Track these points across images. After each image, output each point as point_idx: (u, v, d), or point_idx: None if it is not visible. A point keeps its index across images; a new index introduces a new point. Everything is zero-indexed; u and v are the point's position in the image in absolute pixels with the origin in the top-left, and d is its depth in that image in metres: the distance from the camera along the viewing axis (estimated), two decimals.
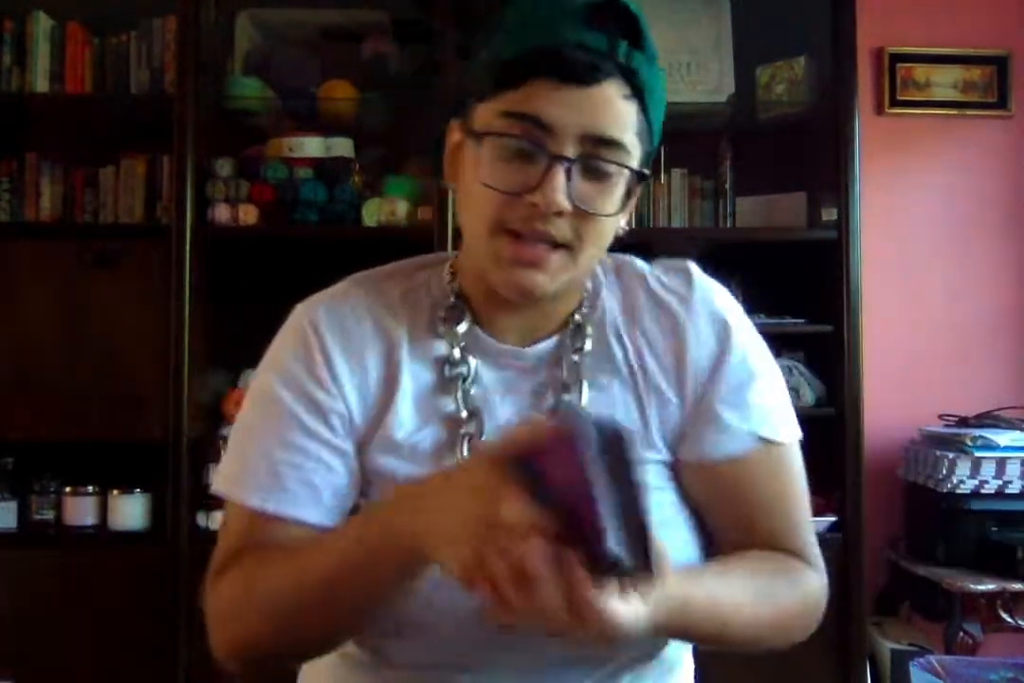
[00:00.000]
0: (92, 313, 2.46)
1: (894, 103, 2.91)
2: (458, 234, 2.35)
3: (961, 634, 2.47)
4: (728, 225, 2.67)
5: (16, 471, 2.51)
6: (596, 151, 0.85)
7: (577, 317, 0.96)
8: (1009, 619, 2.44)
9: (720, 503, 0.95)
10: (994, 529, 2.50)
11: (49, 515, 2.47)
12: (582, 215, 0.86)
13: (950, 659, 2.32)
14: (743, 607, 0.88)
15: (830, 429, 2.46)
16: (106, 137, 2.67)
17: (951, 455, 2.49)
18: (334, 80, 2.62)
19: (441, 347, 0.95)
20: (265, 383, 0.94)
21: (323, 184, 2.51)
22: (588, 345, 0.95)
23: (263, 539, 0.90)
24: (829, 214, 2.54)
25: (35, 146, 2.64)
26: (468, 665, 0.91)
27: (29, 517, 2.47)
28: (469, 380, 0.94)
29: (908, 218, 2.92)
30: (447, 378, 0.94)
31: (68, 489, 2.47)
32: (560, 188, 0.83)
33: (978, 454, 2.48)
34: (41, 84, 2.54)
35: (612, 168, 0.86)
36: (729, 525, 0.96)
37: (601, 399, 0.94)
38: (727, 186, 2.66)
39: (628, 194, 0.90)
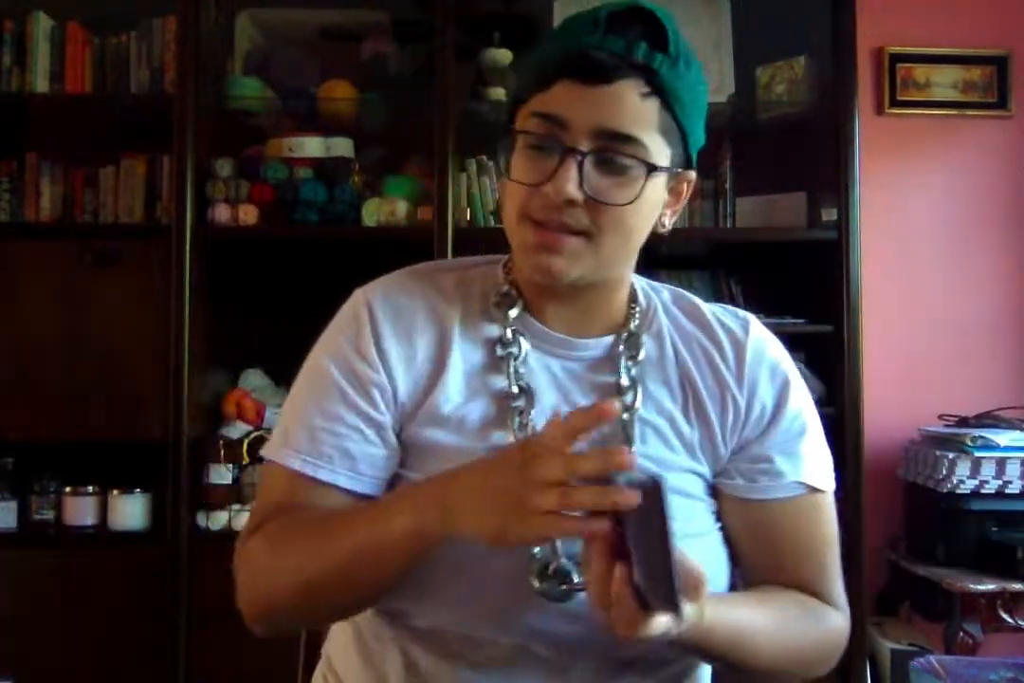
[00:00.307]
0: (92, 313, 2.46)
1: (894, 103, 2.91)
2: (459, 233, 2.35)
3: (961, 634, 2.47)
4: (728, 225, 2.67)
5: (16, 471, 2.51)
6: (610, 145, 0.90)
7: (631, 327, 1.01)
8: (1009, 619, 2.44)
9: (756, 540, 1.00)
10: (994, 529, 2.50)
11: (49, 515, 2.47)
12: (596, 205, 0.90)
13: (950, 659, 2.32)
14: (765, 637, 0.92)
15: (830, 429, 2.45)
16: (106, 137, 2.67)
17: (951, 455, 2.49)
18: (334, 80, 2.62)
19: (493, 329, 1.00)
20: (316, 358, 1.00)
21: (323, 184, 2.51)
22: (642, 354, 1.00)
23: (298, 501, 0.95)
24: (829, 214, 2.54)
25: (35, 146, 2.64)
26: (487, 636, 0.93)
27: (29, 517, 2.47)
28: (520, 359, 0.98)
29: (908, 218, 2.92)
30: (498, 357, 0.98)
31: (68, 489, 2.47)
32: (570, 179, 0.89)
33: (978, 454, 2.48)
34: (41, 84, 2.55)
35: (628, 161, 0.90)
36: (760, 559, 1.00)
37: (651, 406, 0.99)
38: (727, 186, 2.66)
39: (644, 188, 0.92)
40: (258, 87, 2.61)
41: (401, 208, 2.51)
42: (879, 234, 2.79)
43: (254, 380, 2.63)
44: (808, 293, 2.64)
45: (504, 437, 0.96)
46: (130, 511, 2.46)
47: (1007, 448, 2.49)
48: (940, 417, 2.72)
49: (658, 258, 2.75)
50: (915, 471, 2.65)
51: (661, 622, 0.75)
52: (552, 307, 1.00)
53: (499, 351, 0.98)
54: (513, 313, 1.00)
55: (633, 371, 0.99)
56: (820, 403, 2.48)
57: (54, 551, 2.44)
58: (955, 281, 2.92)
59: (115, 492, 2.46)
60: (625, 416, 0.97)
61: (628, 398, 0.98)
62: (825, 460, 1.03)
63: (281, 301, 2.66)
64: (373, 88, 2.64)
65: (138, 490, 2.47)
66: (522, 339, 0.99)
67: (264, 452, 0.99)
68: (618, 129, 0.89)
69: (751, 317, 1.05)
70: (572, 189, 0.88)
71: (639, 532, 0.74)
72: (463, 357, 0.98)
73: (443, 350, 0.98)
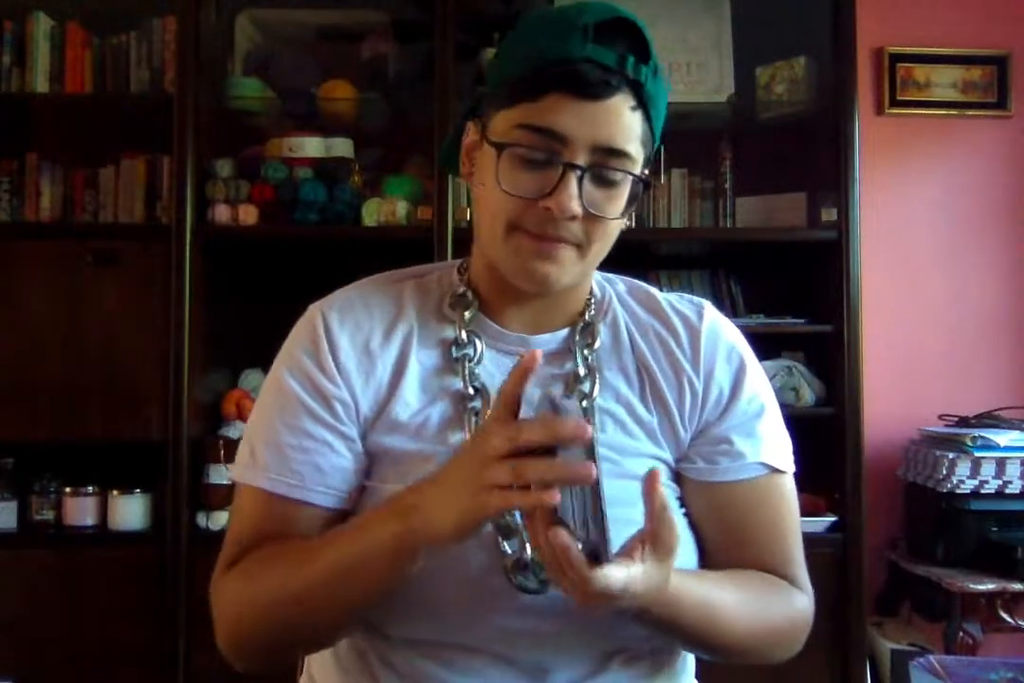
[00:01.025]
0: (92, 313, 2.46)
1: (894, 103, 2.91)
2: (458, 233, 2.33)
3: (961, 634, 2.47)
4: (728, 225, 2.66)
5: (16, 471, 2.51)
6: (605, 160, 0.91)
7: (587, 317, 1.02)
8: (1009, 619, 2.44)
9: (720, 522, 1.00)
10: (994, 529, 2.50)
11: (49, 515, 2.47)
12: (591, 218, 0.92)
13: (950, 659, 2.31)
14: (733, 611, 0.92)
15: (830, 429, 2.46)
16: (106, 137, 2.66)
17: (951, 455, 2.49)
18: (334, 80, 2.62)
19: (449, 331, 1.00)
20: (277, 374, 1.00)
21: (323, 184, 2.51)
22: (598, 343, 1.01)
23: (272, 522, 0.95)
24: (829, 214, 2.54)
25: (35, 146, 2.64)
26: (462, 642, 0.93)
27: (29, 517, 2.47)
28: (475, 360, 0.99)
29: (908, 218, 2.92)
30: (454, 358, 0.99)
31: (68, 489, 2.46)
32: (573, 195, 0.89)
33: (978, 454, 2.48)
34: (41, 84, 2.54)
35: (619, 176, 0.92)
36: (725, 544, 1.00)
37: (608, 394, 0.99)
38: (727, 186, 2.66)
39: (633, 201, 0.94)
40: (258, 87, 2.61)
41: (401, 208, 2.51)
42: (879, 234, 2.79)
43: (254, 380, 2.62)
44: (808, 293, 2.64)
45: (462, 438, 0.96)
46: (130, 511, 2.46)
47: (1007, 448, 2.50)
48: (940, 417, 2.72)
49: (658, 258, 2.76)
50: (915, 471, 2.65)
51: (613, 576, 0.76)
52: (510, 309, 1.01)
53: (455, 352, 0.99)
54: (468, 314, 1.00)
55: (589, 359, 1.00)
56: (820, 403, 2.52)
57: (54, 551, 2.44)
58: (955, 281, 2.92)
59: (115, 492, 2.46)
60: (584, 404, 0.97)
61: (585, 387, 0.99)
62: (784, 441, 1.03)
63: (281, 301, 2.65)
64: (373, 88, 2.64)
65: (138, 490, 2.47)
66: (477, 340, 0.99)
67: (232, 475, 0.99)
68: (613, 145, 0.90)
69: (706, 303, 1.06)
70: (575, 205, 0.89)
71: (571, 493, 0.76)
72: (419, 362, 0.99)
73: (402, 359, 0.98)
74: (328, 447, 0.95)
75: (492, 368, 0.99)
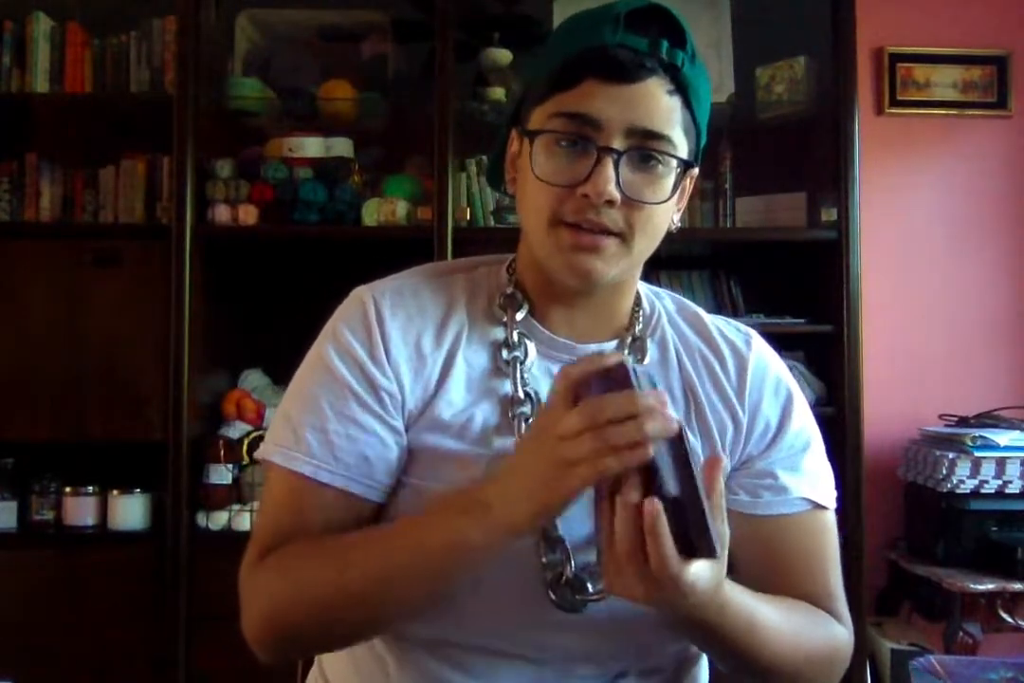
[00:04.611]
0: (92, 313, 2.46)
1: (894, 103, 2.91)
2: (458, 233, 2.35)
3: (961, 634, 2.47)
4: (728, 225, 2.66)
5: (16, 471, 2.51)
6: (643, 143, 0.89)
7: (636, 331, 1.00)
8: (1009, 619, 2.44)
9: (759, 555, 0.98)
10: (994, 529, 2.50)
11: (49, 515, 2.47)
12: (632, 205, 0.89)
13: (950, 659, 2.31)
14: (775, 628, 0.90)
15: (830, 429, 2.45)
16: (106, 137, 2.67)
17: (951, 455, 2.49)
18: (334, 80, 2.62)
19: (499, 332, 0.98)
20: (323, 356, 0.95)
21: (323, 184, 2.51)
22: (647, 359, 0.99)
23: (313, 511, 0.91)
24: (829, 214, 2.54)
25: (35, 146, 2.64)
26: (487, 646, 0.93)
27: (29, 517, 2.47)
28: (527, 364, 0.96)
29: (908, 218, 2.92)
30: (504, 361, 0.96)
31: (68, 489, 2.47)
32: (609, 179, 0.87)
33: (978, 454, 2.48)
34: (41, 84, 2.55)
35: (659, 158, 0.89)
36: (764, 576, 0.97)
37: None
38: (727, 186, 2.66)
39: (677, 187, 0.92)
40: (258, 87, 2.62)
41: (401, 208, 2.51)
42: (879, 234, 2.79)
43: (254, 380, 2.63)
44: (808, 293, 2.64)
45: (508, 443, 0.93)
46: (130, 511, 2.46)
47: (1007, 448, 2.49)
48: (940, 417, 2.72)
49: (658, 258, 2.74)
50: (915, 471, 2.65)
51: (701, 566, 0.74)
52: (558, 311, 0.98)
53: (504, 355, 0.96)
54: (519, 316, 0.97)
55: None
56: (820, 403, 2.52)
57: (54, 551, 2.44)
58: (955, 281, 2.92)
59: (115, 492, 2.46)
60: None
61: None
62: (827, 477, 1.01)
63: (281, 301, 2.66)
64: (373, 88, 2.64)
65: (138, 490, 2.47)
66: (528, 343, 0.96)
67: (267, 455, 0.94)
68: (651, 128, 0.88)
69: (753, 332, 1.04)
70: (613, 189, 0.87)
71: (668, 476, 0.74)
72: (467, 362, 0.96)
73: (450, 358, 0.95)
74: (376, 437, 0.92)
75: (539, 373, 0.96)
